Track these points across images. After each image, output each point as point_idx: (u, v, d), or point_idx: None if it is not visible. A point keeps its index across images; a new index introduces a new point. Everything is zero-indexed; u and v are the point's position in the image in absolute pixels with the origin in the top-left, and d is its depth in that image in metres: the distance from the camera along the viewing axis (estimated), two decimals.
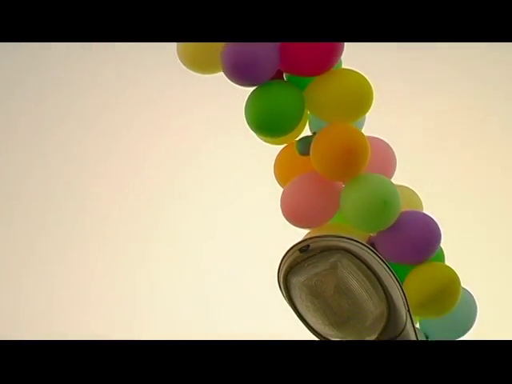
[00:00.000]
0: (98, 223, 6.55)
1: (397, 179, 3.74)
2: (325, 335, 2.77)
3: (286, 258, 2.67)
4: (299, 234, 3.54)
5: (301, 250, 2.65)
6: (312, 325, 2.75)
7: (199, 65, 3.55)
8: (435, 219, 3.50)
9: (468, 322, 3.63)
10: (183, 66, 3.55)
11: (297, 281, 2.67)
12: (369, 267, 2.69)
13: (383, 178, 3.49)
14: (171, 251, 6.29)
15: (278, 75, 3.48)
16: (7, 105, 6.52)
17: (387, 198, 3.39)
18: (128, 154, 6.51)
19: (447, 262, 3.59)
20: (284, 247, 2.74)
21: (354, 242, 2.72)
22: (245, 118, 3.46)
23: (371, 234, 3.55)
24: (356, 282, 2.69)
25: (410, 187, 3.77)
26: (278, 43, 3.34)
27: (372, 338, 2.76)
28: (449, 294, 3.43)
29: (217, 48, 3.36)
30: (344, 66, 3.57)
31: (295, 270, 2.66)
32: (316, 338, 2.78)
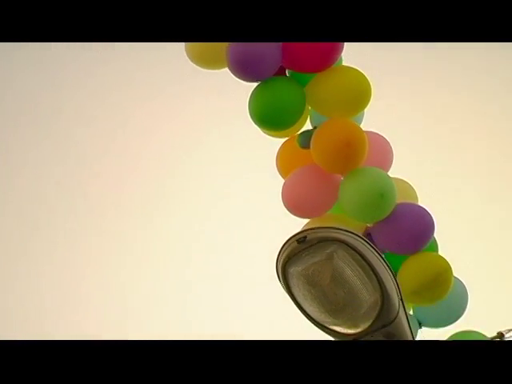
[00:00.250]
0: (96, 220, 6.46)
1: (394, 173, 3.77)
2: (322, 322, 2.78)
3: (284, 248, 2.68)
4: (299, 224, 3.59)
5: (298, 241, 2.65)
6: (309, 313, 2.76)
7: (206, 61, 3.58)
8: (429, 211, 3.54)
9: (459, 309, 3.67)
10: (191, 62, 3.59)
11: (294, 270, 2.68)
12: (363, 258, 2.69)
13: (380, 172, 3.52)
14: (170, 245, 6.24)
15: (281, 71, 3.51)
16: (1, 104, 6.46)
17: (383, 190, 3.43)
18: (127, 150, 6.48)
19: (441, 253, 3.63)
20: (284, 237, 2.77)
21: (350, 234, 2.72)
22: (248, 112, 3.50)
23: (368, 225, 3.60)
24: (351, 272, 2.69)
25: (406, 180, 3.80)
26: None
27: (366, 324, 2.77)
28: (441, 283, 3.47)
29: (222, 46, 3.39)
30: (344, 63, 3.61)
31: (293, 260, 2.67)
32: (313, 325, 2.81)
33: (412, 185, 3.80)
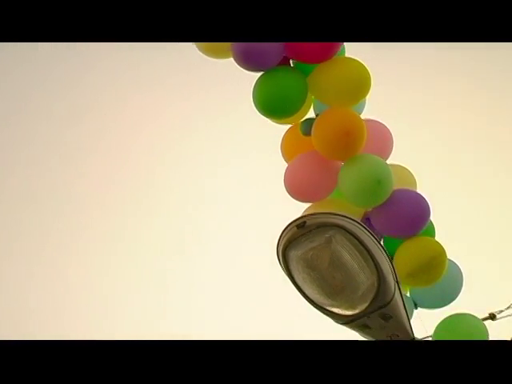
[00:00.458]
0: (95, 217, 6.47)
1: (395, 159, 3.81)
2: (320, 304, 2.81)
3: (284, 233, 2.71)
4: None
5: (298, 227, 2.68)
6: (309, 295, 2.79)
7: (212, 51, 3.61)
8: (425, 197, 3.57)
9: (454, 291, 3.71)
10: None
11: (294, 254, 2.72)
12: (361, 242, 2.71)
13: (378, 159, 3.56)
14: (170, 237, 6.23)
15: (285, 61, 3.55)
16: None
17: (380, 177, 3.46)
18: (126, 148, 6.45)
19: (439, 237, 3.66)
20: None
21: (348, 219, 2.74)
22: (252, 101, 3.53)
23: (367, 210, 3.64)
24: (349, 256, 2.73)
25: (406, 166, 3.84)
26: None
27: (363, 306, 2.81)
28: (435, 266, 3.51)
29: None
30: (347, 50, 3.63)
31: (293, 244, 2.70)
32: (312, 307, 2.84)
33: (411, 171, 3.83)
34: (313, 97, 3.66)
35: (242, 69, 3.47)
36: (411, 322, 2.97)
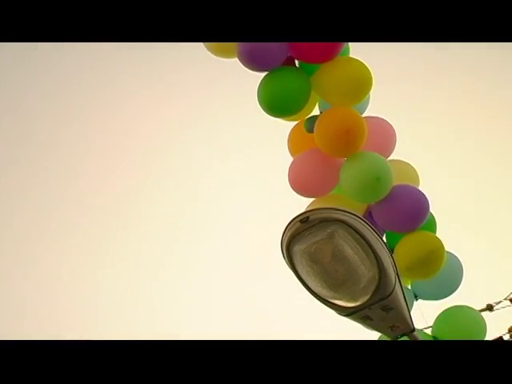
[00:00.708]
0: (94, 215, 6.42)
1: (400, 155, 3.83)
2: (323, 297, 2.83)
3: (288, 228, 2.72)
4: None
5: (301, 221, 2.70)
6: (312, 288, 2.81)
7: (221, 51, 3.63)
8: (424, 193, 3.59)
9: (453, 283, 3.72)
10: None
11: (298, 249, 2.74)
12: (362, 236, 2.73)
13: (377, 156, 3.57)
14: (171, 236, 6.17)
15: (290, 61, 3.56)
16: None
17: (380, 174, 3.48)
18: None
19: (441, 231, 3.68)
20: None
21: (350, 215, 2.75)
22: (257, 100, 3.55)
23: (368, 205, 3.65)
24: (351, 250, 2.75)
25: (409, 162, 3.85)
26: None
27: (365, 298, 2.82)
28: (433, 260, 3.53)
29: None
30: (352, 49, 3.64)
31: (297, 239, 2.72)
32: (316, 299, 2.86)
33: (414, 166, 3.84)
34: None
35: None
36: (411, 313, 2.98)
